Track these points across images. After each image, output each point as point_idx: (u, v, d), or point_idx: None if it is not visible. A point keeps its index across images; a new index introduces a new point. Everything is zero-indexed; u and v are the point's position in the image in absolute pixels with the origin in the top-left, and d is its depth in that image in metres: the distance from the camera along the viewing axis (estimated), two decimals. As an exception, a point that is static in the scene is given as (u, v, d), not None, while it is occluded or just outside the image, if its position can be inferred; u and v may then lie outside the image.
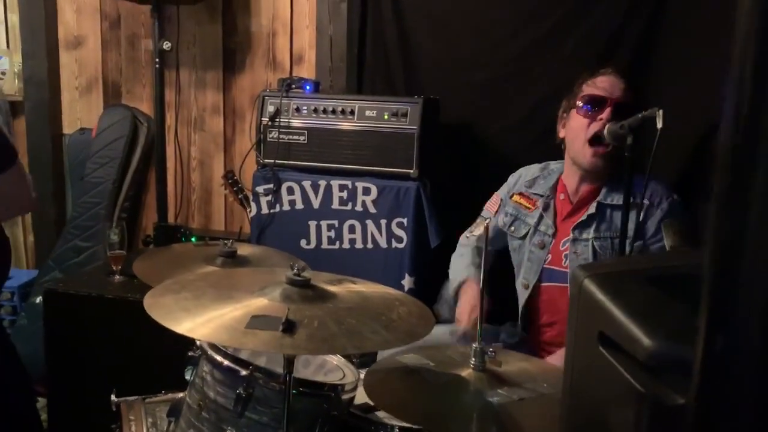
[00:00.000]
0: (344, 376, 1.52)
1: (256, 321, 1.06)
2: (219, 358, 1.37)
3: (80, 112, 3.15)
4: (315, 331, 1.07)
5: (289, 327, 1.05)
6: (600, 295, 0.60)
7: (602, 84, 1.84)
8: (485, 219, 2.08)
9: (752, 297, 0.36)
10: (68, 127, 3.17)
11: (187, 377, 1.47)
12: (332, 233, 2.46)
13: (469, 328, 1.78)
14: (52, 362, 2.42)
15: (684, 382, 0.46)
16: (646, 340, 0.52)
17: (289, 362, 1.24)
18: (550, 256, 1.92)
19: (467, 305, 1.85)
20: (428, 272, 2.42)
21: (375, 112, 2.39)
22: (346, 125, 2.42)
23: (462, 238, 2.20)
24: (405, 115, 2.35)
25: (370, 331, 1.13)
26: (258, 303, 1.16)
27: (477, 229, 2.06)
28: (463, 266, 2.03)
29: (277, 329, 1.05)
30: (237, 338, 1.04)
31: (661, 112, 1.44)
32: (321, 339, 1.06)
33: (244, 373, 1.34)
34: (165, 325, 1.07)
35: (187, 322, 1.07)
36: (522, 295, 1.96)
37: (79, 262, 2.90)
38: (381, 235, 2.40)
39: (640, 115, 1.55)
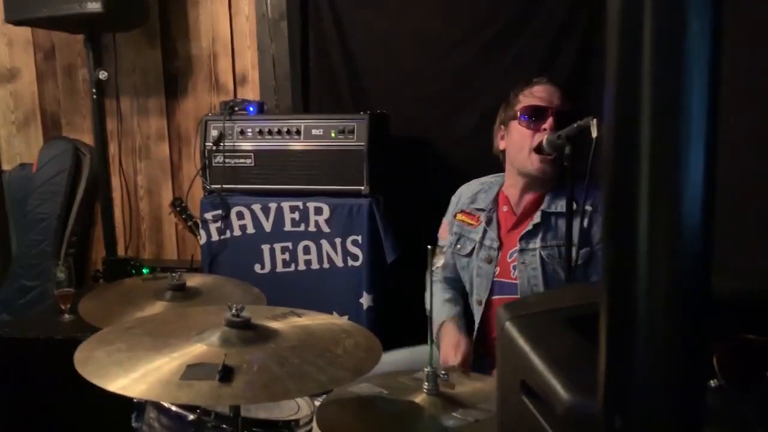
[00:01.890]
0: (299, 409, 1.48)
1: (192, 371, 1.02)
2: (165, 403, 1.33)
3: (18, 147, 3.05)
4: (255, 376, 1.03)
5: (226, 375, 1.01)
6: (521, 342, 0.58)
7: (540, 94, 1.84)
8: (442, 247, 2.06)
9: (646, 375, 0.34)
10: (7, 163, 3.06)
11: (134, 424, 1.42)
12: (287, 256, 2.41)
13: (458, 368, 1.77)
14: None
15: (603, 436, 0.44)
16: (563, 394, 0.50)
17: (236, 405, 1.20)
18: (498, 269, 1.91)
19: (449, 346, 1.83)
20: (386, 288, 2.40)
21: (321, 130, 2.36)
22: (293, 145, 2.39)
23: (427, 276, 2.16)
24: (352, 131, 2.33)
25: (314, 369, 1.09)
26: (196, 350, 1.11)
27: (438, 261, 2.04)
28: (437, 308, 1.99)
29: (214, 378, 1.00)
30: (172, 392, 0.99)
31: (595, 121, 1.44)
32: (261, 385, 1.03)
33: (191, 417, 1.30)
34: (97, 383, 1.02)
35: (121, 379, 1.02)
36: (477, 312, 1.94)
37: (27, 303, 2.80)
38: (336, 254, 2.37)
39: (575, 125, 1.55)
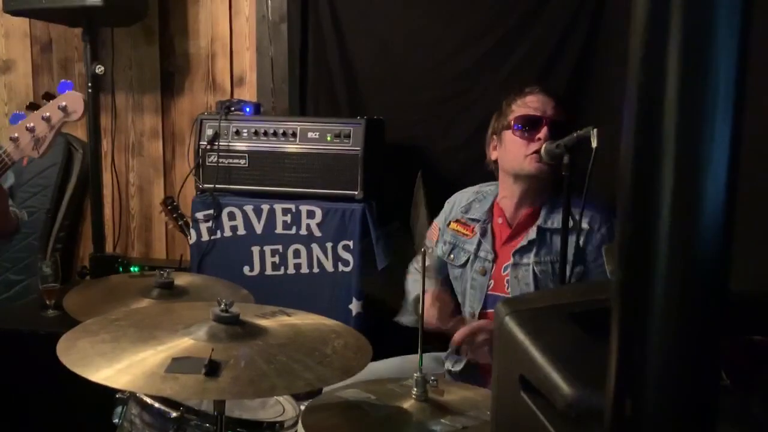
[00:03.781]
0: (284, 411, 1.46)
1: (177, 364, 0.99)
2: (148, 399, 1.30)
3: (10, 139, 3.01)
4: (241, 372, 1.01)
5: (213, 369, 0.99)
6: (520, 335, 0.56)
7: (533, 104, 1.82)
8: (428, 248, 2.04)
9: (660, 361, 0.33)
10: (-2, 155, 3.02)
11: (115, 421, 1.39)
12: (276, 258, 2.39)
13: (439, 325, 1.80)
14: (-20, 405, 2.28)
15: (605, 432, 0.43)
16: (565, 388, 0.49)
17: (220, 403, 1.17)
18: (492, 282, 1.89)
19: (429, 304, 1.79)
20: (376, 295, 2.37)
21: (317, 133, 2.35)
22: (288, 147, 2.37)
23: (410, 267, 2.16)
24: (348, 136, 2.32)
25: (302, 368, 1.07)
26: (182, 343, 1.09)
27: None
28: (419, 283, 1.97)
29: (200, 372, 0.98)
30: (156, 385, 0.97)
31: (595, 131, 1.44)
32: (248, 380, 1.00)
33: (174, 414, 1.27)
34: (79, 373, 0.99)
35: (105, 370, 1.00)
36: None
37: (11, 297, 2.75)
38: (327, 258, 2.35)
39: (575, 134, 1.54)
